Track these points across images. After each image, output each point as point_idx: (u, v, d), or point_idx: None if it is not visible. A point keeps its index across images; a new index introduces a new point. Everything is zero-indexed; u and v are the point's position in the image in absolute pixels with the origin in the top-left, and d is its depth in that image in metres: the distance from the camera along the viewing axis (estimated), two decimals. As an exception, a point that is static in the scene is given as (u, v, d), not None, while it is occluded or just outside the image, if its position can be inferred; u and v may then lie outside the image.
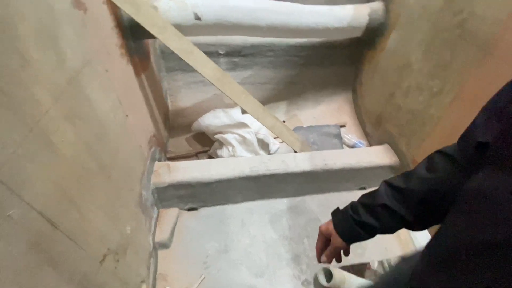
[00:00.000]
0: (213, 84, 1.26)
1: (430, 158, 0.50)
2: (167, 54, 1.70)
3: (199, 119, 1.63)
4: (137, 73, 1.25)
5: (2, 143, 0.49)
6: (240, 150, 1.49)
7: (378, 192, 0.53)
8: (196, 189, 1.40)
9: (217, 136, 1.56)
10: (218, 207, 1.52)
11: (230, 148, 1.52)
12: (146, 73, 1.40)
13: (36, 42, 0.60)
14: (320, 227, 0.62)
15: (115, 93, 0.98)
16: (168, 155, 1.67)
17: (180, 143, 1.79)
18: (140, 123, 1.25)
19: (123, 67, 1.10)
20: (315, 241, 0.65)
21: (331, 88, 1.98)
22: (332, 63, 1.90)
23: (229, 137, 1.51)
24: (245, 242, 1.39)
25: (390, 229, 0.52)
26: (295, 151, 1.54)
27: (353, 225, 0.54)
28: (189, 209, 1.51)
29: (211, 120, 1.58)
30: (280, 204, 1.54)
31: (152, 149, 1.39)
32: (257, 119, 1.38)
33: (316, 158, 1.47)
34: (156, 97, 1.55)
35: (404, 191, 0.49)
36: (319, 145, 1.71)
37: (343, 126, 1.87)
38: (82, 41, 0.79)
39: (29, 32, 0.58)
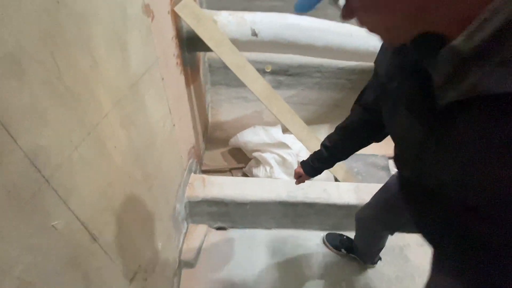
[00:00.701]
0: (261, 101, 1.21)
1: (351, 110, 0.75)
2: (215, 68, 1.71)
3: (237, 135, 1.58)
4: (188, 84, 1.25)
5: (60, 145, 0.46)
6: (278, 171, 1.41)
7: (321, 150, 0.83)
8: (229, 208, 1.33)
9: (255, 154, 1.49)
10: (248, 230, 1.42)
11: (268, 168, 1.43)
12: (195, 85, 1.40)
13: (107, 44, 0.58)
14: (295, 170, 0.93)
15: (167, 102, 0.96)
16: (202, 168, 1.63)
17: (216, 156, 1.75)
18: (184, 134, 1.22)
19: (176, 77, 1.10)
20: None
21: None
22: (383, 90, 1.78)
23: (268, 156, 1.44)
24: (275, 276, 1.26)
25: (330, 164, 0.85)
26: (336, 180, 1.41)
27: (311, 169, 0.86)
28: (218, 228, 1.42)
29: (250, 136, 1.53)
30: (316, 237, 1.40)
31: (190, 161, 1.35)
32: (301, 140, 1.30)
33: (362, 191, 1.33)
34: (200, 109, 1.54)
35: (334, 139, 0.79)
36: (363, 176, 1.56)
37: (391, 158, 1.71)
38: (147, 48, 0.78)
39: (102, 33, 0.56)
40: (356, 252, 1.27)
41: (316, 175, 0.88)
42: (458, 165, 0.34)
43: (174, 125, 1.05)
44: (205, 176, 1.39)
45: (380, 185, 0.95)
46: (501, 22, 0.24)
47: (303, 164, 0.89)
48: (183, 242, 1.30)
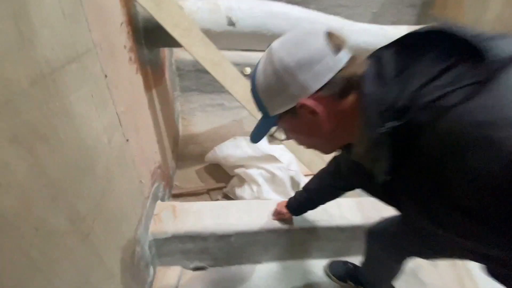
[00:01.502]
0: (243, 106, 0.98)
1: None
2: (184, 72, 1.46)
3: (215, 148, 1.33)
4: (148, 88, 0.98)
5: None
6: (267, 190, 1.16)
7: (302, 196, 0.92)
8: (208, 243, 1.05)
9: (237, 171, 1.24)
10: (233, 267, 1.14)
11: (254, 187, 1.18)
12: (159, 90, 1.14)
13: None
14: (276, 210, 1.04)
15: (115, 108, 0.69)
16: (173, 191, 1.33)
17: (189, 176, 1.46)
18: (144, 151, 0.94)
19: (130, 77, 0.83)
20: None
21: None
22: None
23: (253, 172, 1.19)
24: (272, 325, 0.99)
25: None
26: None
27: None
28: (196, 269, 1.13)
29: (230, 150, 1.28)
30: (317, 268, 1.16)
31: (156, 185, 1.06)
32: (293, 151, 1.07)
33: (366, 207, 1.13)
34: (167, 120, 1.26)
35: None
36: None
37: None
38: (73, 26, 0.52)
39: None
40: (364, 282, 1.05)
41: (300, 214, 0.97)
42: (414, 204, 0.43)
43: (127, 140, 0.77)
44: (176, 203, 1.10)
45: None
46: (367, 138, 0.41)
47: (290, 203, 0.96)
48: (148, 294, 0.98)
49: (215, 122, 1.59)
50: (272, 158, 1.20)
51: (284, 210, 0.98)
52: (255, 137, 0.56)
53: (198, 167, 1.50)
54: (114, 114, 0.69)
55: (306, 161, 1.12)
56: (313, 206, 0.91)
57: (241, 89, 0.96)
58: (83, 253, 0.54)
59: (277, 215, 1.03)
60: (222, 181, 1.42)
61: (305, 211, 0.94)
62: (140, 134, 0.90)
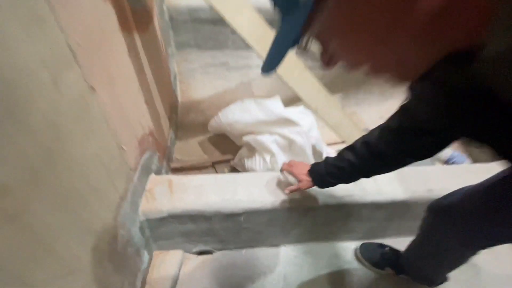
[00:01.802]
0: (251, 46, 0.73)
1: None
2: (179, 23, 1.21)
3: (219, 114, 1.11)
4: (126, 28, 0.75)
5: None
6: (282, 160, 0.95)
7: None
8: (213, 223, 0.86)
9: (246, 139, 1.02)
10: (245, 251, 0.96)
11: (268, 157, 0.97)
12: (144, 38, 0.90)
13: None
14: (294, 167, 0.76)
15: (63, 35, 0.47)
16: (172, 165, 1.14)
17: (191, 148, 1.26)
18: (125, 111, 0.73)
19: (94, 0, 0.60)
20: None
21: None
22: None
23: (266, 139, 0.97)
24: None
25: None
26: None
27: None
28: (200, 253, 0.96)
29: (237, 115, 1.05)
30: (346, 251, 0.96)
31: (146, 156, 0.87)
32: (316, 110, 0.84)
33: (410, 179, 0.90)
34: (159, 79, 1.04)
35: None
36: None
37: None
38: None
39: None
40: (412, 271, 0.83)
41: (327, 186, 0.71)
42: None
43: (92, 87, 0.56)
44: (173, 177, 0.91)
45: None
46: None
47: (314, 170, 0.70)
48: (143, 281, 0.82)
49: (218, 85, 1.35)
50: (289, 122, 0.97)
51: (304, 178, 0.72)
52: (272, 59, 0.34)
53: (201, 138, 1.29)
54: (62, 43, 0.47)
55: (334, 123, 0.89)
56: (353, 179, 0.65)
57: (248, 23, 0.71)
58: (9, 241, 0.35)
59: (289, 187, 0.76)
60: (229, 153, 1.21)
61: (336, 184, 0.68)
62: (117, 87, 0.69)
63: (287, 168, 0.77)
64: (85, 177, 0.53)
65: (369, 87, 1.41)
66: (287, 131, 0.95)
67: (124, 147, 0.70)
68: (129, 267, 0.73)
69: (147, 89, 0.92)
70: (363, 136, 0.60)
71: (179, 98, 1.35)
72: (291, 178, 0.81)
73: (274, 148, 0.95)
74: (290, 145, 0.97)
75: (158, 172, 0.97)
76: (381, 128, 0.55)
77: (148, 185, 0.87)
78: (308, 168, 0.72)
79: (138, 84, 0.84)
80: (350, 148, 0.61)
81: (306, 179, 0.71)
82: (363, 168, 0.60)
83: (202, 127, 1.31)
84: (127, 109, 0.74)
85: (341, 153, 0.64)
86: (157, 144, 1.00)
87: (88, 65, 0.54)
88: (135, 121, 0.80)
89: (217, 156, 1.21)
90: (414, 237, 0.76)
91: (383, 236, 0.97)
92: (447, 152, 1.17)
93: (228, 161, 1.18)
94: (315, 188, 0.82)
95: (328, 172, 0.66)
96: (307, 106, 0.84)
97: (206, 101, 1.36)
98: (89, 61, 0.55)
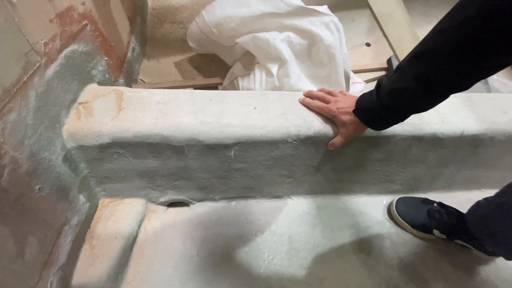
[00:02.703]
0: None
1: None
2: None
3: (202, 12, 0.75)
4: None
5: None
6: (297, 73, 0.63)
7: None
8: (187, 160, 0.56)
9: (241, 41, 0.68)
10: (235, 203, 0.68)
11: (274, 68, 0.65)
12: None
13: None
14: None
15: None
16: (134, 87, 0.81)
17: (164, 70, 0.92)
18: None
19: None
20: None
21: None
22: None
23: (272, 37, 0.64)
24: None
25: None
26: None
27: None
28: (170, 204, 0.67)
29: (229, 9, 0.70)
30: (375, 207, 0.69)
31: (77, 47, 0.53)
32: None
33: (482, 107, 0.60)
34: None
35: None
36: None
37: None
38: None
39: None
40: (482, 234, 0.57)
41: (385, 128, 0.48)
42: None
43: None
44: (124, 89, 0.58)
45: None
46: None
47: (364, 103, 0.47)
48: (77, 241, 0.54)
49: (205, -15, 0.96)
50: (312, 12, 0.62)
51: (348, 119, 0.49)
52: None
53: (178, 57, 0.94)
54: None
55: (383, 13, 0.55)
56: (422, 105, 0.42)
57: None
58: None
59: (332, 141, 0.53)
60: (217, 75, 0.88)
61: (398, 120, 0.45)
62: None
63: (320, 106, 0.53)
64: None
65: (409, 3, 1.05)
66: (307, 22, 0.60)
67: (20, 9, 0.36)
68: (39, 216, 0.43)
69: None
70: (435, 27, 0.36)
71: (149, 3, 0.96)
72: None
73: (285, 51, 0.62)
74: (311, 48, 0.63)
75: (104, 83, 0.64)
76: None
77: (84, 97, 0.55)
78: (353, 101, 0.49)
79: None
80: (419, 50, 0.38)
81: (352, 120, 0.48)
82: (445, 74, 0.36)
83: (180, 43, 0.95)
84: None
85: (401, 66, 0.41)
86: (105, 45, 0.66)
87: None
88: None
89: (200, 80, 0.87)
90: (508, 188, 0.49)
91: (427, 189, 0.71)
92: (511, 86, 0.88)
93: (215, 86, 0.85)
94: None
95: (383, 99, 0.44)
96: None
97: (186, 7, 0.98)
98: None
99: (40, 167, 0.43)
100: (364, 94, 0.49)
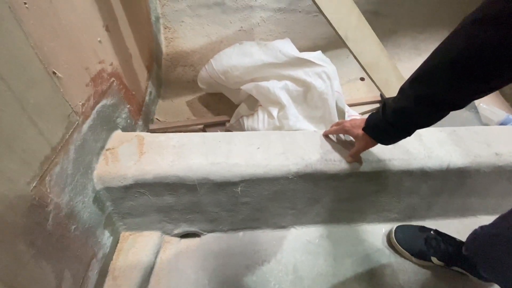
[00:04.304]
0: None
1: None
2: None
3: (211, 60, 0.86)
4: None
5: None
6: (295, 115, 0.71)
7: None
8: (200, 196, 0.63)
9: (246, 88, 0.77)
10: (243, 233, 0.74)
11: (275, 111, 0.73)
12: None
13: None
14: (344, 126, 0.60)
15: None
16: (151, 127, 0.90)
17: (178, 109, 1.02)
18: (62, 18, 0.48)
19: None
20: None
21: (440, 27, 1.16)
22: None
23: (272, 86, 0.72)
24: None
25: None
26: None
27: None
28: (184, 235, 0.73)
29: (234, 59, 0.80)
30: (375, 235, 0.73)
31: (106, 102, 0.62)
32: (345, 38, 0.59)
33: (467, 142, 0.66)
34: (130, 9, 0.78)
35: None
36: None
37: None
38: None
39: None
40: (480, 263, 0.59)
41: (392, 143, 0.53)
42: None
43: None
44: (144, 134, 0.67)
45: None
46: None
47: (372, 121, 0.53)
48: (102, 272, 0.60)
49: (212, 32, 1.09)
50: (306, 62, 0.72)
51: (360, 134, 0.55)
52: None
53: (189, 97, 1.05)
54: None
55: (368, 61, 0.64)
56: (422, 120, 0.46)
57: None
58: None
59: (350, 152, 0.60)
60: (225, 113, 0.97)
61: (401, 136, 0.50)
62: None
63: (336, 129, 0.62)
64: None
65: (398, 39, 1.14)
66: (302, 73, 0.70)
67: (58, 73, 0.46)
68: (73, 252, 0.50)
69: (108, 10, 0.66)
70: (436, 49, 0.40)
71: (163, 48, 1.09)
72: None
73: (284, 97, 0.70)
74: (305, 93, 0.72)
75: (129, 131, 0.73)
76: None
77: (110, 143, 0.63)
78: (363, 119, 0.55)
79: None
80: (419, 74, 0.43)
81: (363, 135, 0.54)
82: (442, 94, 0.40)
83: (191, 84, 1.06)
84: (66, 18, 0.49)
85: (403, 88, 0.46)
86: (128, 94, 0.76)
87: None
88: (84, 45, 0.55)
89: (209, 118, 0.96)
90: (508, 219, 0.53)
91: (423, 217, 0.75)
92: (500, 115, 0.93)
93: (222, 123, 0.94)
94: (342, 149, 0.59)
95: (388, 117, 0.48)
96: (334, 29, 0.59)
97: (196, 52, 1.10)
98: None
99: (75, 209, 0.51)
100: (372, 113, 0.54)
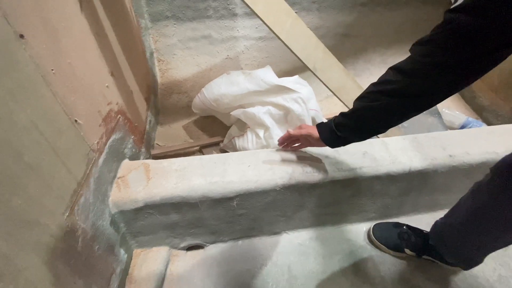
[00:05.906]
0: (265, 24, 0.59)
1: None
2: (151, -10, 1.06)
3: (203, 90, 0.97)
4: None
5: None
6: (278, 135, 0.81)
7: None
8: (201, 211, 0.73)
9: (235, 113, 0.88)
10: (241, 242, 0.83)
11: (261, 132, 0.84)
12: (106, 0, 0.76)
13: None
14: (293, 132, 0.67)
15: None
16: (153, 152, 1.00)
17: (175, 133, 1.12)
18: (79, 74, 0.59)
19: None
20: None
21: (407, 42, 1.29)
22: (407, 2, 1.22)
23: (258, 111, 0.84)
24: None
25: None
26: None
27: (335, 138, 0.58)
28: (189, 248, 0.82)
29: (223, 88, 0.92)
30: (357, 234, 0.84)
31: (115, 137, 0.73)
32: (314, 69, 0.71)
33: (426, 147, 0.78)
34: (129, 53, 0.90)
35: None
36: (406, 126, 1.02)
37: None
38: None
39: None
40: (443, 249, 0.70)
41: (339, 146, 0.61)
42: None
43: (21, 36, 0.41)
44: (149, 161, 0.77)
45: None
46: None
47: (322, 127, 0.61)
48: (121, 286, 0.68)
49: (202, 62, 1.21)
50: (284, 89, 0.84)
51: (310, 132, 0.62)
52: None
53: (185, 121, 1.15)
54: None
55: (336, 86, 0.75)
56: (367, 129, 0.53)
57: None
58: None
59: (290, 139, 0.68)
60: (218, 135, 1.07)
61: (347, 141, 0.57)
62: (63, 42, 0.54)
63: (293, 133, 0.67)
64: (13, 150, 0.39)
65: (368, 55, 1.28)
66: (281, 99, 0.82)
67: (79, 120, 0.56)
68: (98, 269, 0.59)
69: (112, 59, 0.77)
70: (390, 68, 0.48)
71: (158, 79, 1.20)
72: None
73: (268, 120, 0.82)
74: (286, 116, 0.84)
75: (134, 159, 0.83)
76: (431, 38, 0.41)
77: (120, 172, 0.73)
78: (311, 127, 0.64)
79: (99, 50, 0.69)
80: (371, 89, 0.50)
81: (312, 131, 0.62)
82: (388, 108, 0.47)
83: (186, 110, 1.17)
84: (81, 74, 0.60)
85: (355, 101, 0.53)
86: (132, 127, 0.86)
87: (12, 4, 0.40)
88: (96, 92, 0.66)
89: (205, 139, 1.07)
90: (455, 210, 0.64)
91: (397, 214, 0.85)
92: (461, 118, 1.05)
93: (217, 144, 1.04)
94: (319, 162, 0.70)
95: (338, 122, 0.56)
96: (304, 63, 0.71)
97: (189, 80, 1.21)
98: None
99: (98, 232, 0.60)
100: (331, 119, 0.59)
